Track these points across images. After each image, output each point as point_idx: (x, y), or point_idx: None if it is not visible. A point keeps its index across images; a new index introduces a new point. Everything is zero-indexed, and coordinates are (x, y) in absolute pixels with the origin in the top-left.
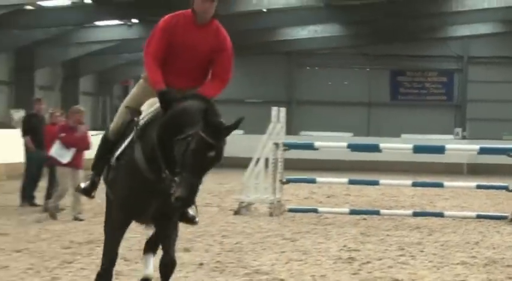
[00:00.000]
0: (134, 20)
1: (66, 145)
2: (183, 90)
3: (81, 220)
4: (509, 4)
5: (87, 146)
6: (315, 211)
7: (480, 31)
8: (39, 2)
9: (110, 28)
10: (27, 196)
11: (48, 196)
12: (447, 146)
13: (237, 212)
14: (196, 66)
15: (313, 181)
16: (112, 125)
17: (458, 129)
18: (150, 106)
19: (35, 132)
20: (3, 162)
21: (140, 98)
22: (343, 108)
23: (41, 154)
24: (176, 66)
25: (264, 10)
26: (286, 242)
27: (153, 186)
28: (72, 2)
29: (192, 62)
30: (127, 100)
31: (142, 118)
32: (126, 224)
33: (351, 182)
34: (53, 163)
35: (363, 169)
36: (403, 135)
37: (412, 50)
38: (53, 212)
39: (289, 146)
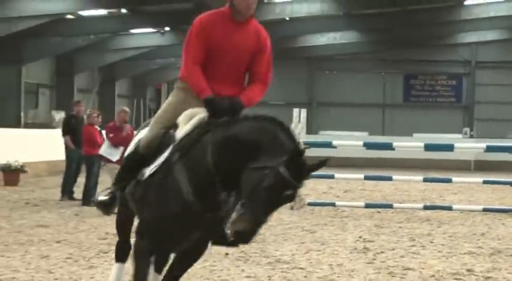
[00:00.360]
0: (167, 28)
1: (115, 144)
2: (226, 97)
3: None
4: None
5: None
6: (332, 204)
7: (487, 37)
8: (79, 12)
9: (144, 36)
10: (66, 191)
11: (86, 191)
12: (456, 144)
13: None
14: (236, 70)
15: (331, 177)
16: (143, 138)
17: (467, 129)
18: (189, 118)
19: (75, 133)
20: (45, 160)
21: (177, 109)
22: (360, 110)
23: (80, 153)
24: (216, 71)
25: (287, 19)
26: (306, 233)
27: (196, 212)
28: (109, 12)
29: (233, 64)
30: (161, 112)
31: (182, 133)
32: (154, 251)
33: (367, 178)
34: (103, 161)
35: (378, 165)
36: (415, 135)
37: (424, 55)
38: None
39: (309, 145)
